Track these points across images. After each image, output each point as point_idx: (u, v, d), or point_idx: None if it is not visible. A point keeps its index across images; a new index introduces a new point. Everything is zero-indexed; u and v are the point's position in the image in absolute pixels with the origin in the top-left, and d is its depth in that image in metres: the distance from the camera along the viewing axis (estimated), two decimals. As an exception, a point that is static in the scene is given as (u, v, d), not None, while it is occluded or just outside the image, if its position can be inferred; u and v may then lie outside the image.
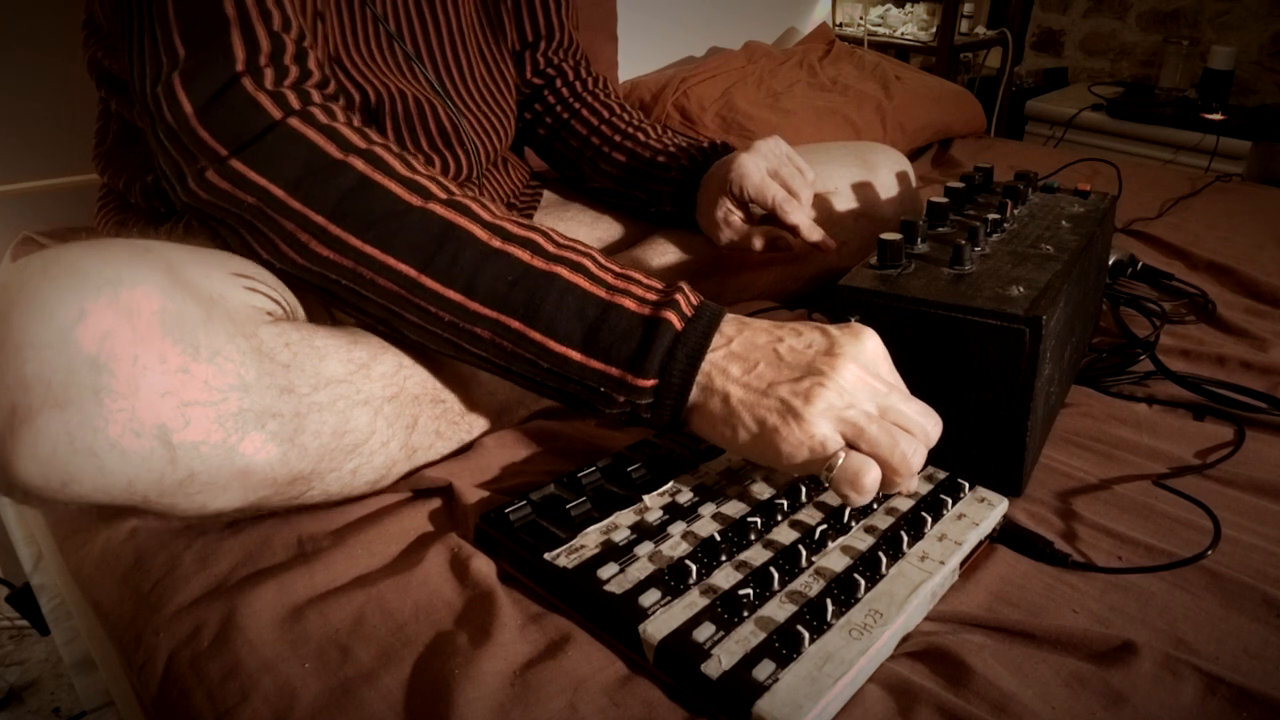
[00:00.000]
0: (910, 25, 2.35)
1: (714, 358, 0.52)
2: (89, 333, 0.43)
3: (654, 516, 0.54)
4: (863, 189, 1.01)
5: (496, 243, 0.54)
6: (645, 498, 0.56)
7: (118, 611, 0.54)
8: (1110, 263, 0.98)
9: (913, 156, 1.61)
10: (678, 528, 0.53)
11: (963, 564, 0.54)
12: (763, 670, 0.43)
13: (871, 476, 0.49)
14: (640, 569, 0.50)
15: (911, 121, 1.67)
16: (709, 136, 0.95)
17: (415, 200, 0.54)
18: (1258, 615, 0.52)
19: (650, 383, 0.52)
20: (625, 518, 0.54)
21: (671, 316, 0.52)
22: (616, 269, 0.55)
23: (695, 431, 0.54)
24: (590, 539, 0.52)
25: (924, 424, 0.51)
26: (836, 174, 0.96)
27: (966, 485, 0.59)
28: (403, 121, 0.76)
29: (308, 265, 0.55)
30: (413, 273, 0.53)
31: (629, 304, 0.53)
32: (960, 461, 0.60)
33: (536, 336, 0.53)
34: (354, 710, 0.44)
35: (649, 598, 0.48)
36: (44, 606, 0.96)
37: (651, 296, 0.53)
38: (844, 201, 0.99)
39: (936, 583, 0.51)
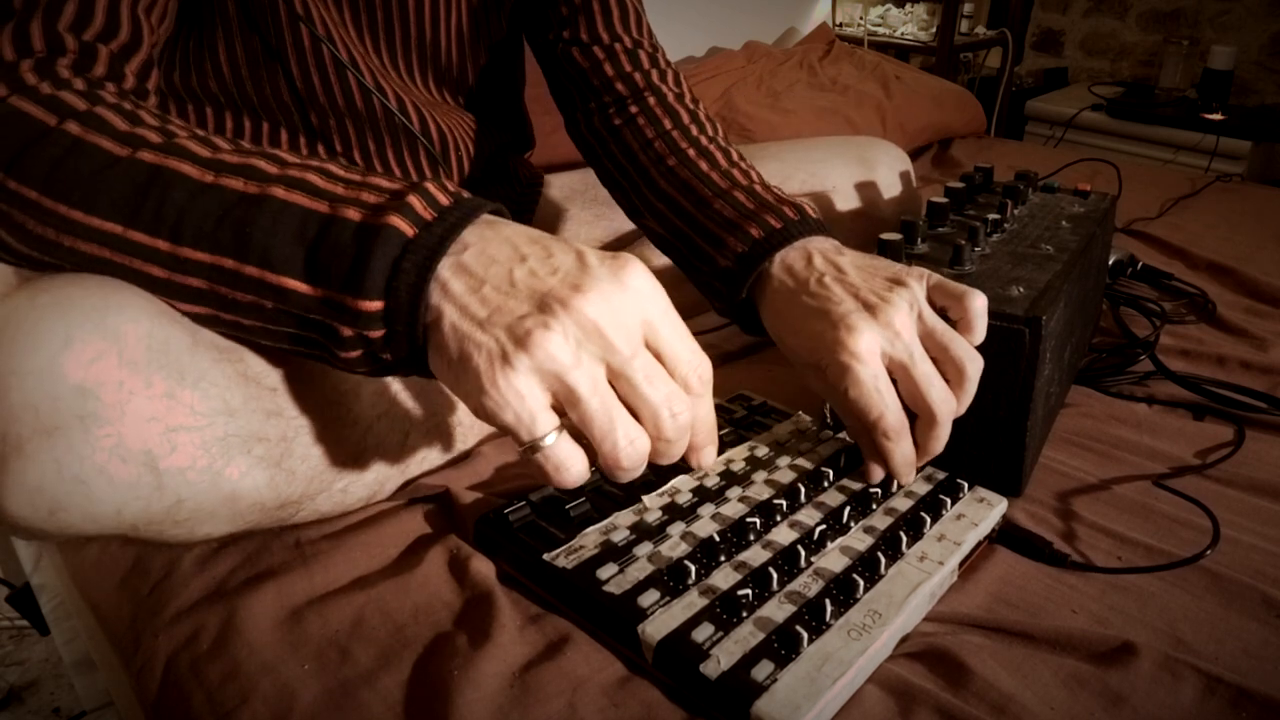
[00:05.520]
0: (910, 25, 2.35)
1: (440, 269, 0.42)
2: (75, 360, 0.43)
3: (653, 517, 0.54)
4: (862, 188, 1.00)
5: (209, 178, 0.45)
6: (644, 498, 0.56)
7: (116, 614, 0.54)
8: (1110, 263, 0.98)
9: (913, 156, 1.61)
10: (677, 528, 0.53)
11: (962, 564, 0.54)
12: (761, 670, 0.43)
13: (574, 473, 0.42)
14: (639, 569, 0.50)
15: (911, 121, 1.68)
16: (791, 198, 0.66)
17: (123, 152, 0.45)
18: (1257, 615, 0.52)
19: (374, 305, 0.42)
20: (624, 518, 0.54)
21: (398, 221, 0.42)
22: (355, 177, 0.45)
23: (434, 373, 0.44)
24: (589, 539, 0.52)
25: (659, 410, 0.42)
26: (836, 172, 0.96)
27: (966, 485, 0.59)
28: (370, 135, 0.72)
29: (27, 251, 0.47)
30: (118, 229, 0.45)
31: (352, 213, 0.42)
32: (959, 461, 0.60)
33: (252, 271, 0.43)
34: (353, 712, 0.44)
35: (648, 598, 0.47)
36: (44, 606, 0.96)
37: (382, 202, 0.43)
38: (844, 200, 0.99)
39: (935, 583, 0.51)
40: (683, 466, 0.60)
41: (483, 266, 0.42)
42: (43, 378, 0.42)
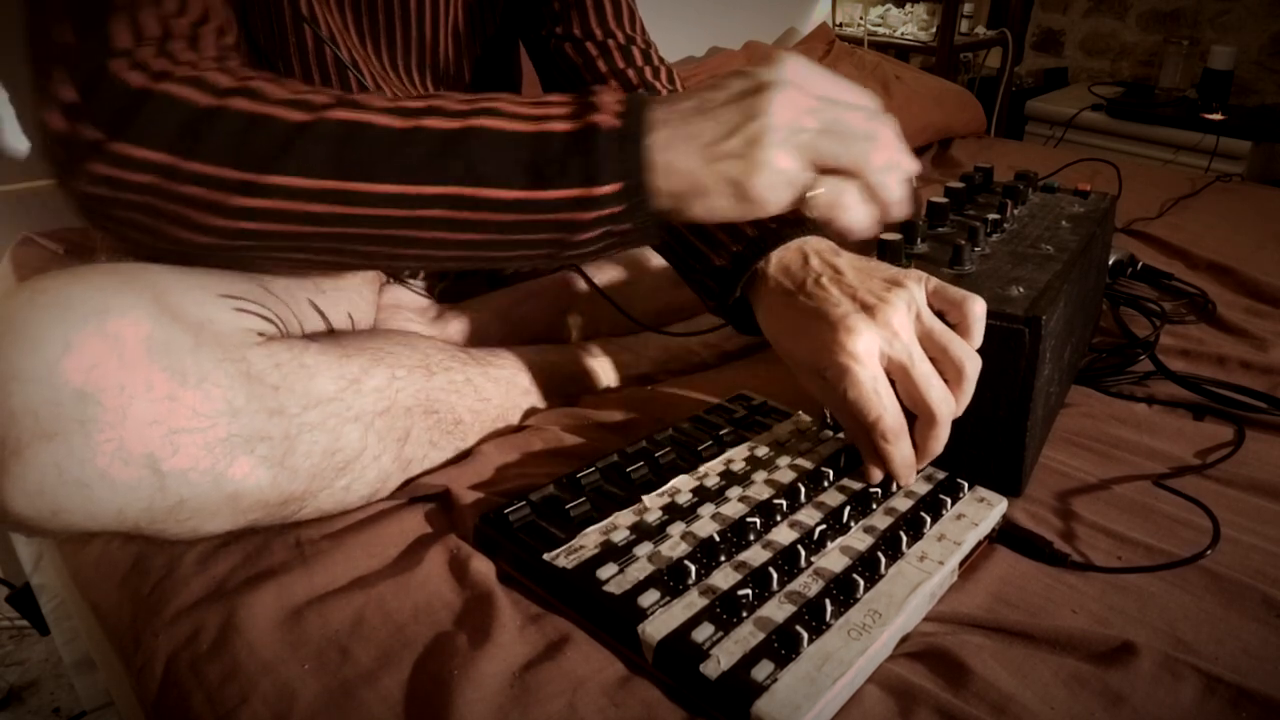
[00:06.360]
0: (910, 25, 2.35)
1: (655, 140, 0.50)
2: (75, 364, 0.43)
3: (653, 517, 0.54)
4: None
5: (402, 122, 0.50)
6: (644, 498, 0.56)
7: (117, 614, 0.54)
8: (1110, 263, 0.98)
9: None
10: (677, 528, 0.53)
11: (962, 564, 0.54)
12: (761, 670, 0.43)
13: (850, 194, 0.50)
14: (639, 569, 0.50)
15: (911, 121, 1.67)
16: None
17: (306, 116, 0.49)
18: (1257, 615, 0.52)
19: (612, 187, 0.49)
20: (624, 518, 0.54)
21: (602, 118, 0.50)
22: (530, 100, 0.52)
23: (683, 219, 0.52)
24: (589, 539, 0.52)
25: (866, 128, 0.50)
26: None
27: (966, 485, 0.59)
28: None
29: (227, 225, 0.50)
30: (337, 185, 0.49)
31: (558, 126, 0.50)
32: (960, 461, 0.60)
33: (486, 193, 0.50)
34: (353, 711, 0.44)
35: (648, 598, 0.47)
36: (44, 606, 0.96)
37: (576, 110, 0.51)
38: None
39: (935, 583, 0.51)
40: (684, 466, 0.60)
41: (686, 121, 0.50)
42: (42, 383, 0.42)
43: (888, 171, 0.51)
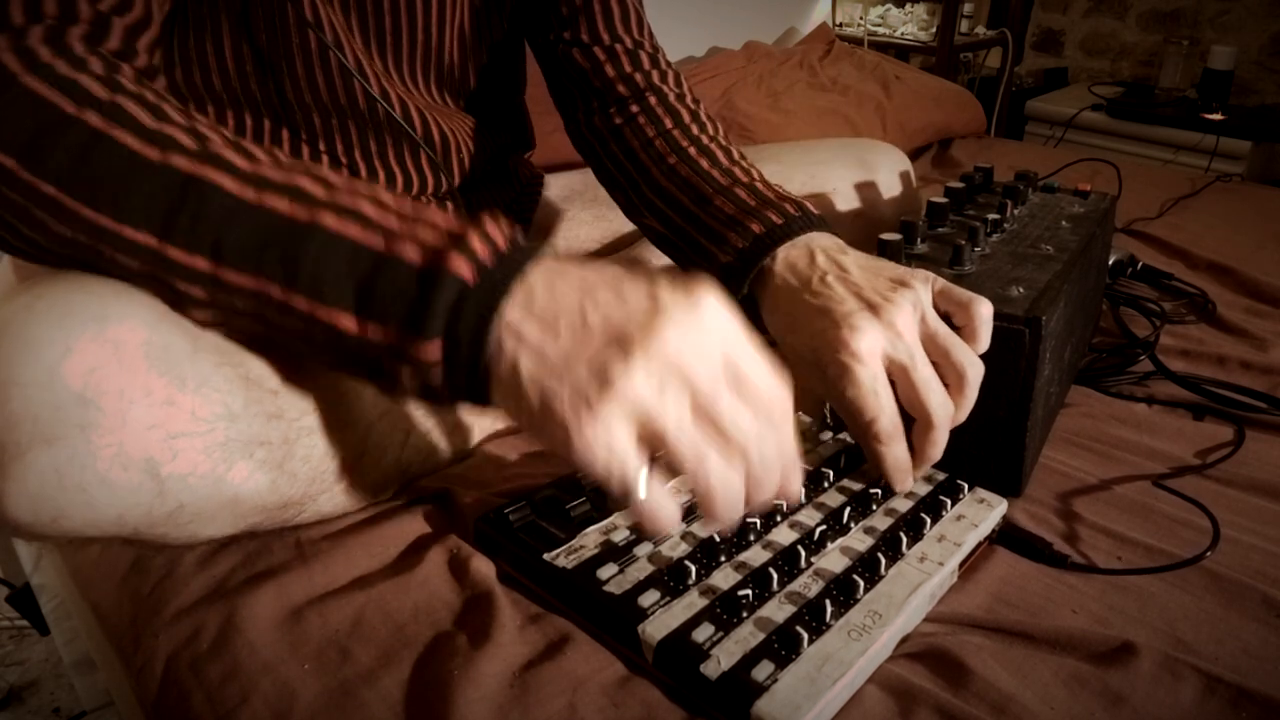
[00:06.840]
0: (910, 25, 2.35)
1: (509, 315, 0.41)
2: (75, 369, 0.43)
3: (653, 517, 0.54)
4: (862, 189, 1.01)
5: (250, 194, 0.44)
6: (644, 498, 0.56)
7: (116, 614, 0.54)
8: (1110, 263, 0.98)
9: (913, 156, 1.61)
10: (677, 528, 0.53)
11: (962, 565, 0.54)
12: (762, 671, 0.43)
13: (664, 521, 0.41)
14: (639, 569, 0.50)
15: (911, 121, 1.68)
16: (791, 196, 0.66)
17: (153, 154, 0.44)
18: (1257, 615, 0.52)
19: (434, 350, 0.42)
20: (625, 518, 0.54)
21: (459, 264, 0.41)
22: (406, 211, 0.44)
23: (503, 412, 0.44)
24: (589, 539, 0.52)
25: (749, 447, 0.41)
26: (836, 173, 0.96)
27: (965, 486, 0.59)
28: (372, 137, 0.72)
29: (49, 249, 0.46)
30: (154, 242, 0.43)
31: (410, 254, 0.42)
32: (959, 462, 0.60)
33: (300, 305, 0.43)
34: (353, 711, 0.44)
35: (648, 598, 0.48)
36: (44, 606, 0.96)
37: (440, 242, 0.42)
38: (844, 201, 0.99)
39: (935, 584, 0.51)
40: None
41: (553, 310, 0.41)
42: (43, 387, 0.42)
43: (732, 511, 0.42)
